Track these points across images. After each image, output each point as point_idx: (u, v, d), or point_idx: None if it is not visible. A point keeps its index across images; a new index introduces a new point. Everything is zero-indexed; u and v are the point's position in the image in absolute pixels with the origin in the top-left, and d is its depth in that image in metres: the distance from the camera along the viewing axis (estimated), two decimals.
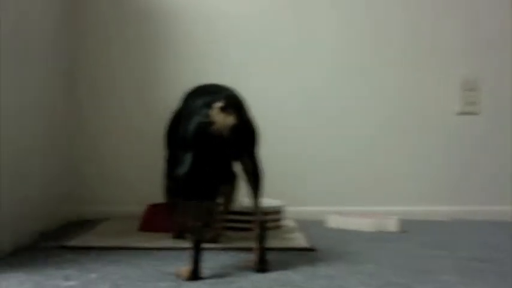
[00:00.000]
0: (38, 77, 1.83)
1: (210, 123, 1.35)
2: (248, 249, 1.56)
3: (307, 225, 2.05)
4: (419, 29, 2.29)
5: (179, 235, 1.75)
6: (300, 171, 2.27)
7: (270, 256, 1.53)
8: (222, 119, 1.35)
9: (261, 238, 1.40)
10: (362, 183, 2.27)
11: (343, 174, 2.28)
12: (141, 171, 2.19)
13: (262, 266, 1.40)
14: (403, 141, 2.29)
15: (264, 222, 1.41)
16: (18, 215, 1.63)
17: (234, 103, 1.39)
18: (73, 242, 1.69)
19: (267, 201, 1.94)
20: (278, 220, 1.91)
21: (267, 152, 2.25)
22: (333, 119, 2.28)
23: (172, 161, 1.56)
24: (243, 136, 1.40)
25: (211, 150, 1.38)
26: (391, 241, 1.79)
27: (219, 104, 1.36)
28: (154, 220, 1.86)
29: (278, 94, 2.26)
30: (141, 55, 2.24)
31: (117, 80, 2.23)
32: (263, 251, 1.40)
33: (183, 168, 1.36)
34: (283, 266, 1.45)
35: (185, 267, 1.33)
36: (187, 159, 1.35)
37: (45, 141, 1.91)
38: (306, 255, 1.58)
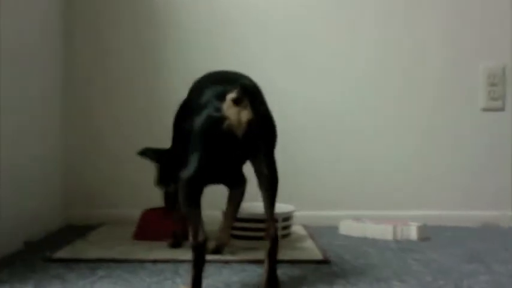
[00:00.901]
0: (35, 78, 1.75)
1: (222, 118, 1.16)
2: (256, 262, 1.39)
3: (318, 232, 1.88)
4: (442, 23, 2.11)
5: (176, 243, 1.58)
6: (310, 172, 2.09)
7: (280, 270, 1.36)
8: (235, 114, 1.16)
9: (272, 254, 1.20)
10: (378, 185, 2.09)
11: (358, 175, 2.09)
12: (140, 174, 2.01)
13: (271, 286, 1.19)
14: (422, 140, 2.11)
15: (277, 234, 1.21)
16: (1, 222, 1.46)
17: (250, 93, 1.19)
18: (59, 254, 1.52)
19: (276, 206, 1.77)
20: (288, 227, 1.73)
21: (276, 151, 2.10)
22: (348, 117, 2.11)
23: (175, 161, 1.36)
24: (260, 133, 1.20)
25: (221, 150, 1.20)
26: (415, 251, 1.61)
27: (232, 95, 1.16)
28: (149, 228, 1.69)
29: (291, 91, 2.09)
30: (143, 53, 2.08)
31: (115, 82, 2.07)
32: (273, 269, 1.20)
33: (188, 171, 1.17)
34: (296, 282, 1.28)
35: (184, 286, 1.16)
36: (194, 160, 1.17)
37: (36, 142, 1.75)
38: (320, 268, 1.41)
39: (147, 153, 1.55)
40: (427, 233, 1.82)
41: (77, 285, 1.23)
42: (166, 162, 1.52)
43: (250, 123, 1.16)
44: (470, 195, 2.08)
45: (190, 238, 1.15)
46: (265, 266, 1.20)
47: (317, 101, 2.10)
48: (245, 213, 1.66)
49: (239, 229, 1.65)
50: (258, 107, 1.20)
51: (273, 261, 1.19)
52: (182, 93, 1.41)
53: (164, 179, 1.53)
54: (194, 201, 1.17)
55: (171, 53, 2.07)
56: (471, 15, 2.10)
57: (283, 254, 1.52)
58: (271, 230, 1.20)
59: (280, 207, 1.74)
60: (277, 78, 2.06)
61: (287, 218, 1.71)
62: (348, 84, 2.10)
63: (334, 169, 2.09)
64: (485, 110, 2.10)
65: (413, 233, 1.78)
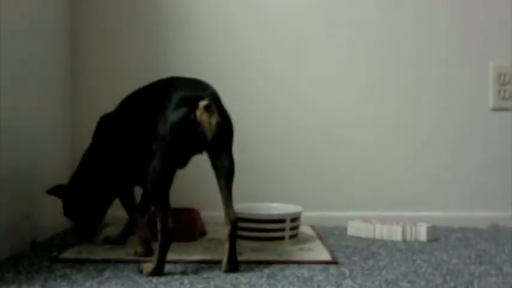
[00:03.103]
0: (39, 79, 1.73)
1: (196, 123, 1.29)
2: (264, 262, 1.39)
3: (325, 232, 1.86)
4: (451, 21, 2.08)
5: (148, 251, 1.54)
6: (317, 172, 2.07)
7: (288, 270, 1.35)
8: (207, 119, 1.29)
9: (232, 236, 1.36)
10: (386, 185, 2.06)
11: (366, 176, 2.07)
12: None
13: (231, 266, 1.35)
14: (431, 140, 2.08)
15: (236, 218, 1.37)
16: (6, 221, 1.45)
17: (216, 100, 1.34)
18: (66, 254, 1.51)
19: (284, 206, 1.76)
20: (296, 228, 1.71)
21: (282, 151, 2.08)
22: (356, 117, 2.08)
23: (113, 158, 1.50)
24: (225, 134, 1.35)
25: (189, 149, 1.35)
26: (425, 253, 1.59)
27: (204, 103, 1.29)
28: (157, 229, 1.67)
29: (299, 92, 2.07)
30: (148, 54, 2.06)
31: (121, 82, 2.04)
32: (233, 249, 1.36)
33: (158, 167, 1.29)
34: (304, 283, 1.26)
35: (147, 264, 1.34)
36: (163, 157, 1.30)
37: (44, 142, 1.75)
38: (328, 269, 1.39)
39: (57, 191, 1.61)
40: (437, 234, 1.80)
41: (84, 286, 1.23)
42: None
43: (217, 126, 1.30)
44: (480, 196, 2.06)
45: (160, 225, 1.30)
46: (226, 247, 1.36)
47: (324, 100, 2.07)
48: (253, 214, 1.66)
49: (247, 230, 1.63)
50: (222, 112, 1.33)
51: (233, 242, 1.36)
52: None
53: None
54: (165, 194, 1.30)
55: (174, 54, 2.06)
56: (480, 14, 2.07)
57: (290, 255, 1.52)
58: (231, 215, 1.36)
59: (288, 207, 1.74)
60: (287, 78, 2.06)
61: (295, 218, 1.70)
62: (354, 83, 2.08)
63: (342, 169, 2.07)
64: (495, 109, 2.07)
65: (422, 234, 1.76)
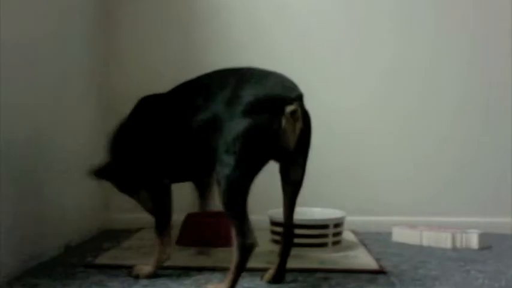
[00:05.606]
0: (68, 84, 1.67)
1: (278, 132, 1.11)
2: (306, 271, 1.31)
3: (369, 238, 1.77)
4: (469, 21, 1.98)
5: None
6: (359, 176, 1.97)
7: (334, 280, 1.27)
8: (292, 127, 1.12)
9: (285, 255, 1.25)
10: (431, 189, 1.96)
11: (409, 179, 1.97)
12: None
13: (278, 277, 1.25)
14: (474, 138, 1.97)
15: (293, 237, 1.26)
16: (39, 225, 1.41)
17: (302, 103, 1.15)
18: (100, 259, 1.46)
19: (327, 211, 1.68)
20: (339, 234, 1.62)
21: (321, 154, 1.99)
22: (396, 120, 1.99)
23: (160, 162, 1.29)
24: (305, 143, 1.19)
25: (267, 159, 1.17)
26: (478, 262, 1.49)
27: (291, 108, 1.11)
28: (193, 233, 1.61)
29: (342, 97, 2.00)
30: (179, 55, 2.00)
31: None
32: (283, 268, 1.25)
33: (235, 174, 1.11)
34: None
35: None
36: (235, 167, 1.10)
37: (77, 144, 1.71)
38: (377, 279, 1.30)
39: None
40: (489, 241, 1.69)
41: None
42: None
43: (300, 134, 1.14)
44: None
45: (239, 240, 1.11)
46: (279, 255, 1.26)
47: (362, 104, 1.99)
48: (295, 219, 1.57)
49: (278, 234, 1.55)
50: (306, 118, 1.17)
51: (286, 252, 1.26)
52: None
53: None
54: (242, 205, 1.12)
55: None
56: (499, 12, 1.97)
57: (335, 263, 1.43)
58: (289, 232, 1.25)
59: (331, 212, 1.66)
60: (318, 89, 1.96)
61: (338, 223, 1.61)
62: (396, 90, 1.99)
63: (385, 173, 1.97)
64: None
65: (474, 241, 1.65)
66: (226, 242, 1.58)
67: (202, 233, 1.59)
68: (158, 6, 2.02)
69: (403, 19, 2.00)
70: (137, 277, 1.28)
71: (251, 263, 1.36)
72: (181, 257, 1.47)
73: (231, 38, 1.99)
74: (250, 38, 1.99)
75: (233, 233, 1.12)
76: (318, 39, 2.00)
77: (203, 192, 1.51)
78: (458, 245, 1.66)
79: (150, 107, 1.34)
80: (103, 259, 1.46)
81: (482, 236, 1.66)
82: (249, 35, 1.99)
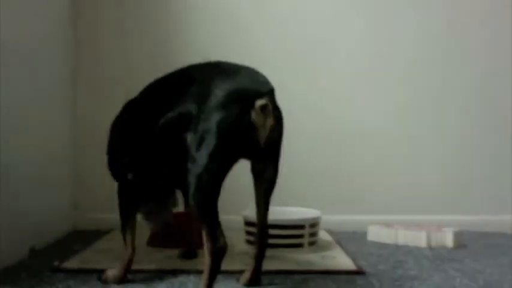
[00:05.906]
0: (42, 84, 1.64)
1: (248, 126, 1.07)
2: (286, 273, 1.27)
3: (344, 238, 1.75)
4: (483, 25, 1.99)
5: (188, 253, 1.45)
6: (334, 174, 1.95)
7: (312, 282, 1.24)
8: (262, 122, 1.08)
9: (261, 257, 1.23)
10: (408, 188, 1.95)
11: (387, 178, 1.96)
12: None
13: (254, 280, 1.22)
14: (459, 144, 1.98)
15: (267, 237, 1.24)
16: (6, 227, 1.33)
17: (273, 97, 1.12)
18: (67, 263, 1.39)
19: (302, 210, 1.65)
20: (315, 234, 1.59)
21: (301, 154, 1.95)
22: (383, 118, 1.98)
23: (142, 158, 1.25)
24: (277, 140, 1.16)
25: (239, 155, 1.12)
26: (454, 260, 1.48)
27: (261, 103, 1.07)
28: (165, 234, 1.55)
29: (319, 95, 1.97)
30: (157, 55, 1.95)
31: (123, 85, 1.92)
32: (259, 270, 1.23)
33: (204, 178, 1.06)
34: None
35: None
36: (206, 165, 1.06)
37: (47, 148, 1.65)
38: (355, 280, 1.28)
39: None
40: (463, 240, 1.69)
41: None
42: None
43: (271, 129, 1.10)
44: (504, 200, 1.94)
45: (209, 243, 1.06)
46: (253, 257, 1.24)
47: (343, 104, 1.97)
48: (270, 219, 1.54)
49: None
50: (277, 114, 1.13)
51: (261, 253, 1.24)
52: None
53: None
54: (213, 206, 1.07)
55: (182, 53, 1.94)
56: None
57: (312, 264, 1.40)
58: (264, 225, 1.22)
59: (307, 212, 1.62)
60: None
61: (314, 224, 1.58)
62: (385, 86, 1.98)
63: (360, 172, 1.96)
64: None
65: (449, 240, 1.65)
66: (197, 244, 1.54)
67: (173, 233, 1.53)
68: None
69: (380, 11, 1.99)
70: (106, 282, 1.22)
71: (226, 265, 1.31)
72: (156, 259, 1.42)
73: (212, 41, 1.95)
74: (232, 36, 1.95)
75: (204, 236, 1.07)
76: (298, 40, 1.97)
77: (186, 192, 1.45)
78: (433, 243, 1.65)
79: (126, 107, 1.33)
80: (71, 263, 1.39)
81: (458, 235, 1.66)
82: (230, 33, 1.95)
